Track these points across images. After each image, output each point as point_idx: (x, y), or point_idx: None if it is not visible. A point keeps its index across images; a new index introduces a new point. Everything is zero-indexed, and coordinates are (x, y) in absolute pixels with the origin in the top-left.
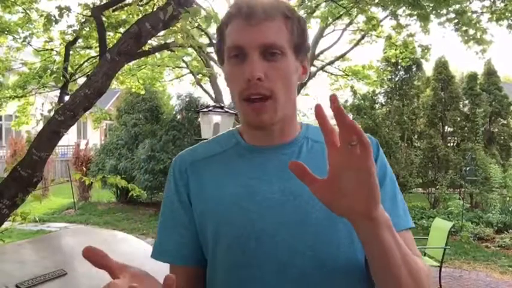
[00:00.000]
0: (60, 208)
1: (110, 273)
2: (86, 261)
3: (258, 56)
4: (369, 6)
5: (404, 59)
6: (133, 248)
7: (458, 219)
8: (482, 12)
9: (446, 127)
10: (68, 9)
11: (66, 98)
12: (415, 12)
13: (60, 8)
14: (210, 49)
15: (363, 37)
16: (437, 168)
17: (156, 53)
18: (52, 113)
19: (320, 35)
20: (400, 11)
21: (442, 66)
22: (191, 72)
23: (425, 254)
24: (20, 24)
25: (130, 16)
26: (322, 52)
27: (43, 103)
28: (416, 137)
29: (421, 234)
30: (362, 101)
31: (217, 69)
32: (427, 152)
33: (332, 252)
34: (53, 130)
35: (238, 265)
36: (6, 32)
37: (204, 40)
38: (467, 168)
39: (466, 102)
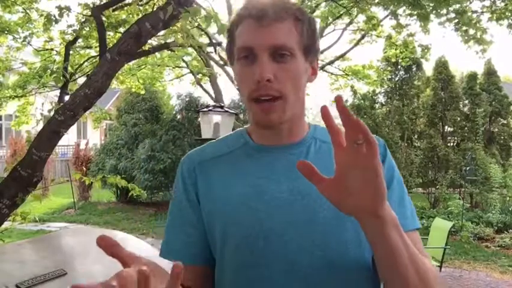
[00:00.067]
0: (60, 208)
1: (121, 262)
2: (86, 261)
3: (267, 57)
4: (369, 6)
5: (404, 59)
6: (133, 248)
7: (458, 219)
8: (482, 12)
9: (446, 127)
10: (68, 9)
11: (66, 97)
12: (415, 12)
13: (60, 8)
14: (210, 49)
15: (363, 37)
16: (437, 168)
17: (156, 53)
18: (52, 113)
19: (320, 35)
20: (400, 11)
21: (442, 66)
22: (191, 72)
23: None
24: (20, 24)
25: (130, 16)
26: (322, 52)
27: (43, 103)
28: (416, 136)
29: (421, 234)
30: (362, 101)
31: (217, 69)
32: (427, 152)
33: (340, 251)
34: (53, 130)
35: (247, 265)
36: (6, 32)
37: (204, 40)
38: (467, 168)
39: (466, 102)
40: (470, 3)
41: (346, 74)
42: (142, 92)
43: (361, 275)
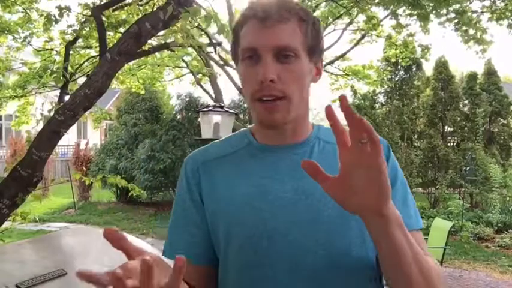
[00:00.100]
0: (60, 208)
1: (127, 255)
2: (86, 261)
3: (271, 58)
4: (369, 6)
5: (404, 59)
6: None
7: (458, 219)
8: (482, 12)
9: (446, 127)
10: (68, 9)
11: (66, 97)
12: (415, 12)
13: (60, 8)
14: (210, 49)
15: (363, 37)
16: (437, 168)
17: (156, 53)
18: (52, 113)
19: None
20: (400, 11)
21: (442, 66)
22: (191, 72)
23: None
24: (20, 24)
25: (130, 16)
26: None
27: (43, 103)
28: (416, 136)
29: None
30: (362, 101)
31: (217, 69)
32: (427, 152)
33: (344, 250)
34: (53, 130)
35: (250, 264)
36: (6, 32)
37: (204, 40)
38: (467, 168)
39: (466, 102)
40: (470, 3)
41: (346, 74)
42: (142, 92)
43: (365, 275)
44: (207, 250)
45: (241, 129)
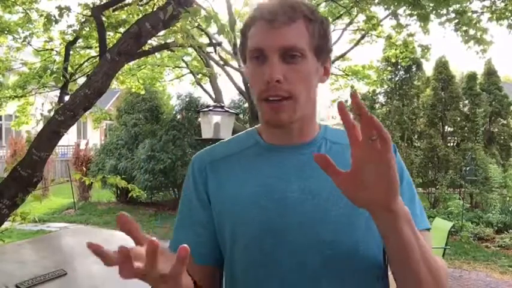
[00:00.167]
0: (60, 208)
1: (135, 240)
2: (86, 261)
3: (277, 58)
4: (369, 6)
5: (404, 59)
6: None
7: (458, 219)
8: (482, 12)
9: (446, 127)
10: (68, 9)
11: (66, 98)
12: (415, 12)
13: (60, 8)
14: (210, 49)
15: (363, 37)
16: (437, 168)
17: (156, 53)
18: (52, 113)
19: None
20: (400, 11)
21: (442, 66)
22: (191, 72)
23: None
24: (20, 24)
25: (131, 16)
26: None
27: (43, 103)
28: (416, 137)
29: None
30: (362, 101)
31: (217, 69)
32: (427, 152)
33: (350, 250)
34: (53, 130)
35: (256, 263)
36: (6, 32)
37: (204, 40)
38: (467, 168)
39: (466, 102)
40: (470, 3)
41: (346, 74)
42: (143, 92)
43: (372, 274)
44: (212, 250)
45: (248, 128)
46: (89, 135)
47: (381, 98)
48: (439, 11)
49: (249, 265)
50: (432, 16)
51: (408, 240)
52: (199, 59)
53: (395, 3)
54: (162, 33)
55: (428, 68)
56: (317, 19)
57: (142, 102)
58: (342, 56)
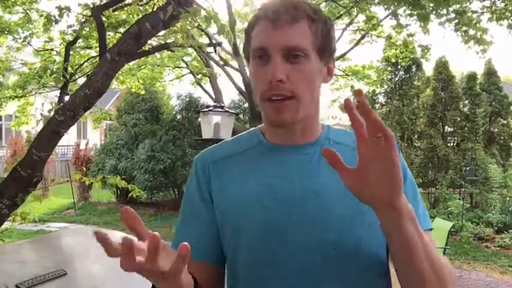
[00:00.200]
0: (60, 208)
1: (137, 236)
2: (86, 261)
3: (280, 58)
4: (369, 6)
5: (404, 59)
6: None
7: (458, 219)
8: (482, 12)
9: (446, 127)
10: (68, 9)
11: (66, 98)
12: (415, 12)
13: (60, 8)
14: (210, 49)
15: (363, 37)
16: (437, 168)
17: (156, 53)
18: (52, 113)
19: None
20: (400, 11)
21: (442, 66)
22: (191, 72)
23: None
24: (20, 24)
25: (131, 16)
26: None
27: (43, 103)
28: (416, 137)
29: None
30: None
31: (217, 69)
32: (427, 152)
33: (353, 249)
34: (53, 130)
35: (259, 263)
36: (6, 32)
37: (204, 40)
38: (467, 168)
39: (466, 102)
40: (470, 3)
41: (346, 74)
42: (143, 92)
43: (374, 271)
44: (215, 249)
45: (251, 128)
46: (89, 135)
47: (381, 98)
48: (439, 11)
49: (253, 264)
50: (432, 16)
51: (412, 237)
52: (199, 59)
53: (395, 3)
54: (162, 33)
55: (428, 68)
56: (320, 19)
57: (142, 102)
58: (342, 56)
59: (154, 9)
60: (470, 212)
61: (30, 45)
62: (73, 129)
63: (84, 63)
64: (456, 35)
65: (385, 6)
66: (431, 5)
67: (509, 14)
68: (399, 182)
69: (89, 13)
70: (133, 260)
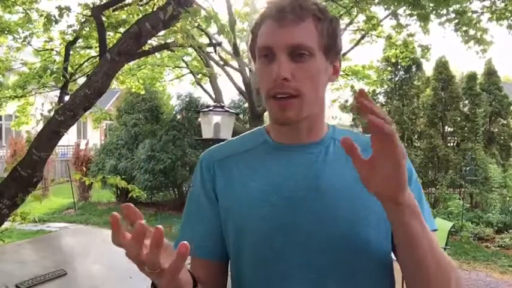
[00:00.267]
0: (60, 208)
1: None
2: (86, 261)
3: (285, 56)
4: (369, 6)
5: (404, 59)
6: None
7: (458, 219)
8: (482, 12)
9: (446, 127)
10: (68, 9)
11: (66, 98)
12: (415, 12)
13: (60, 8)
14: (210, 49)
15: (363, 37)
16: (437, 168)
17: (156, 53)
18: (52, 113)
19: None
20: (400, 11)
21: (442, 66)
22: (191, 72)
23: None
24: (20, 24)
25: (131, 16)
26: None
27: (43, 103)
28: (416, 137)
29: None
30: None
31: (217, 69)
32: (427, 152)
33: (360, 246)
34: (53, 130)
35: (265, 260)
36: (6, 32)
37: (204, 40)
38: (467, 168)
39: (466, 102)
40: (470, 3)
41: (346, 74)
42: (143, 92)
43: (380, 270)
44: (220, 246)
45: (256, 128)
46: (89, 135)
47: (381, 98)
48: (439, 11)
49: (258, 262)
50: (432, 16)
51: (416, 233)
52: (199, 59)
53: (395, 3)
54: (162, 33)
55: (428, 68)
56: (326, 18)
57: (142, 102)
58: (342, 56)
59: (154, 9)
60: (470, 212)
61: (30, 45)
62: (73, 129)
63: (84, 63)
64: (456, 35)
65: (385, 6)
66: (431, 5)
67: (509, 14)
68: (403, 178)
69: (89, 13)
70: (140, 247)
